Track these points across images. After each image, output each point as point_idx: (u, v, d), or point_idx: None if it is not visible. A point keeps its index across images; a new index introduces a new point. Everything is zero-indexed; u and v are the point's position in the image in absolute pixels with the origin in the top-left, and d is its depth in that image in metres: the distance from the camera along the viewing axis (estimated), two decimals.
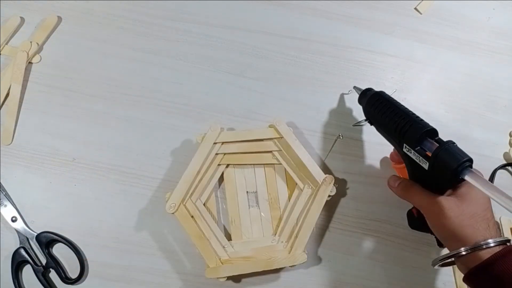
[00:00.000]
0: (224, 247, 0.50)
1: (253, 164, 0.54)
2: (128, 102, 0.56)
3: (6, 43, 0.56)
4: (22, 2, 0.57)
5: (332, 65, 0.60)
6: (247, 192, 0.54)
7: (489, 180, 0.58)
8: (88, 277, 0.50)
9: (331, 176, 0.51)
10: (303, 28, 0.60)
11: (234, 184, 0.53)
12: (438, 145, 0.42)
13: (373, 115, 0.50)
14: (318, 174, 0.51)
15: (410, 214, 0.51)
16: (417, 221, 0.49)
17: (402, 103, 0.58)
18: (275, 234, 0.52)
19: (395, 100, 0.49)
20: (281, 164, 0.54)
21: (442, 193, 0.44)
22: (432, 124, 0.47)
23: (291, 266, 0.49)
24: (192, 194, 0.51)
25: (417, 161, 0.43)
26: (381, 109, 0.48)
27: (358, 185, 0.56)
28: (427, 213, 0.45)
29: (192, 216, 0.49)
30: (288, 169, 0.53)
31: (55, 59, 0.56)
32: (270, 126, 0.54)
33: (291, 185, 0.54)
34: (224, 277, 0.47)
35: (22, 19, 0.57)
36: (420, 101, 0.59)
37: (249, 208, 0.53)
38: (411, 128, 0.44)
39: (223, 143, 0.53)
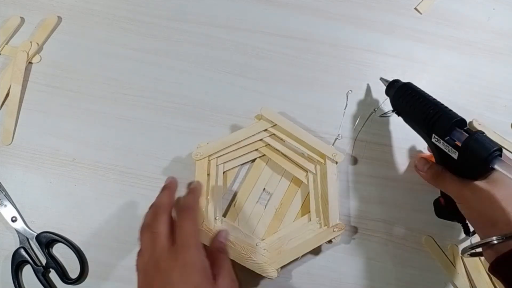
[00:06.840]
0: (215, 219, 0.50)
1: (285, 170, 0.54)
2: (128, 102, 0.56)
3: (6, 43, 0.56)
4: (22, 2, 0.57)
5: (332, 65, 0.60)
6: (264, 189, 0.54)
7: None
8: (88, 277, 0.50)
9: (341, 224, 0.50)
10: (303, 28, 0.60)
11: (258, 175, 0.54)
12: (467, 135, 0.42)
13: (401, 106, 0.50)
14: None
15: (437, 203, 0.51)
16: (445, 210, 0.49)
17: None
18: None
19: (423, 90, 0.48)
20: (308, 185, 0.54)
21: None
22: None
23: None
24: (220, 157, 0.52)
25: (446, 151, 0.44)
26: (410, 100, 0.48)
27: (358, 185, 0.56)
28: (460, 198, 0.44)
29: (208, 174, 0.51)
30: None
31: (55, 59, 0.56)
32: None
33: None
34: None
35: (22, 19, 0.57)
36: None
37: (256, 202, 0.53)
38: (441, 118, 0.44)
39: (271, 134, 0.53)
